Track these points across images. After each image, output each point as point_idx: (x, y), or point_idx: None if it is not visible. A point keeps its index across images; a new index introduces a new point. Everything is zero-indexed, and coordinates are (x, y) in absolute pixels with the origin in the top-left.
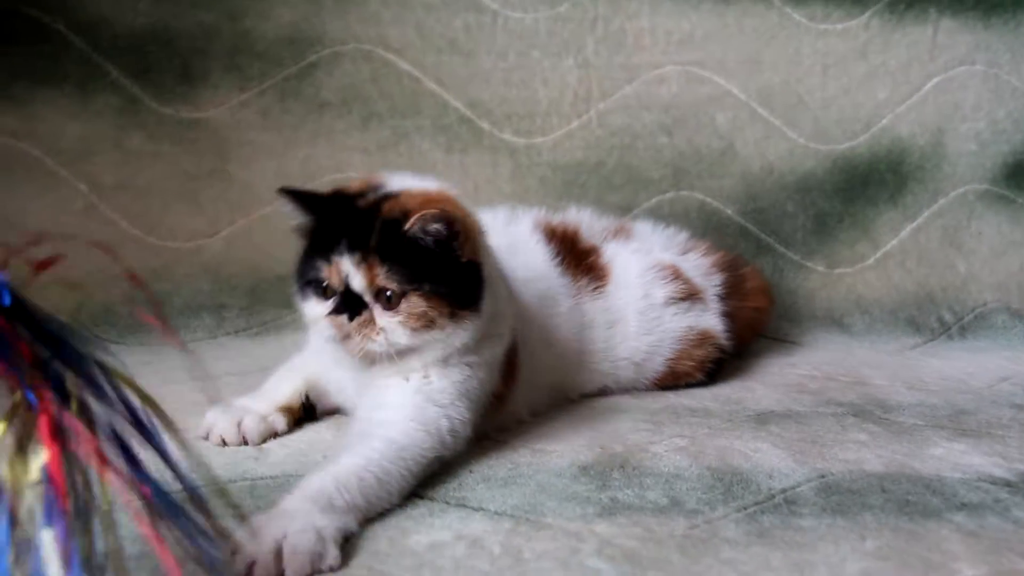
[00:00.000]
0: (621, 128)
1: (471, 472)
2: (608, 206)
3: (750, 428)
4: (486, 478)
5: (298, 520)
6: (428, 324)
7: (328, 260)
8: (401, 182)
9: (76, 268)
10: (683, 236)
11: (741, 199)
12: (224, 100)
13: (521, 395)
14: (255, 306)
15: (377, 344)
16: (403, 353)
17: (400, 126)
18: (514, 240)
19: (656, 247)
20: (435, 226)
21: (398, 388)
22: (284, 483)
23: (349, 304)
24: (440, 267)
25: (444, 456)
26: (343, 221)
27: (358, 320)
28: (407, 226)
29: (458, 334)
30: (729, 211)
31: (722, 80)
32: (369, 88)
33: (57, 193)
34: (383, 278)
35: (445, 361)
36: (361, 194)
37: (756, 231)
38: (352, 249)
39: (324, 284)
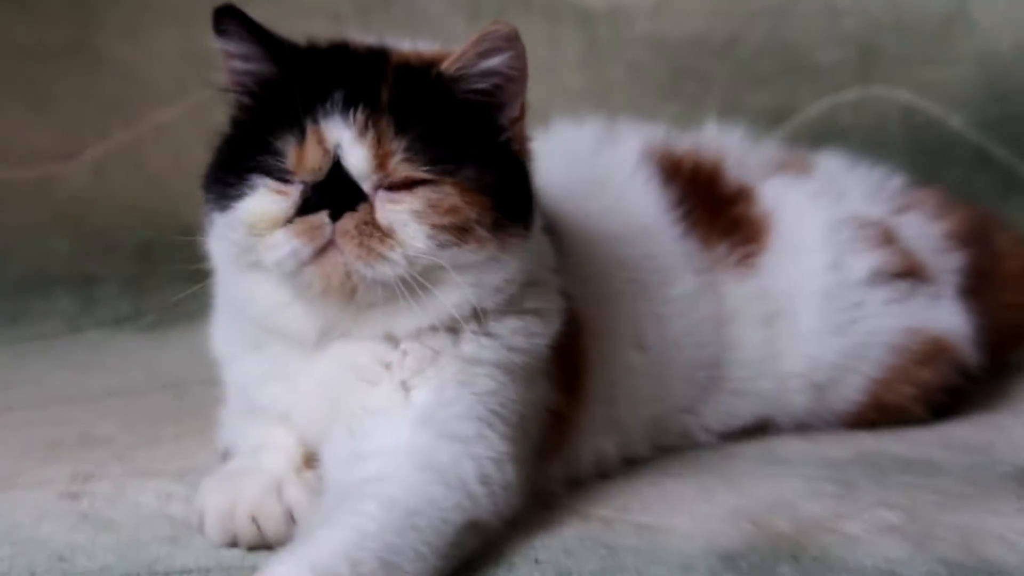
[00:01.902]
0: None
1: (537, 562)
2: (746, 113)
3: (1010, 494)
4: (562, 574)
5: None
6: (460, 232)
7: (299, 129)
8: (383, 41)
9: None
10: (897, 182)
11: (977, 101)
12: None
13: (599, 421)
14: (147, 279)
15: (377, 261)
16: (411, 287)
17: None
18: (605, 173)
19: (854, 194)
20: (497, 61)
21: (389, 415)
22: None
23: (333, 195)
24: (482, 149)
25: (482, 521)
26: (330, 69)
27: (351, 217)
28: (448, 65)
29: (500, 263)
30: (955, 122)
31: None
32: None
33: None
34: (401, 157)
35: (471, 340)
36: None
37: (1004, 156)
38: (349, 106)
39: (284, 172)
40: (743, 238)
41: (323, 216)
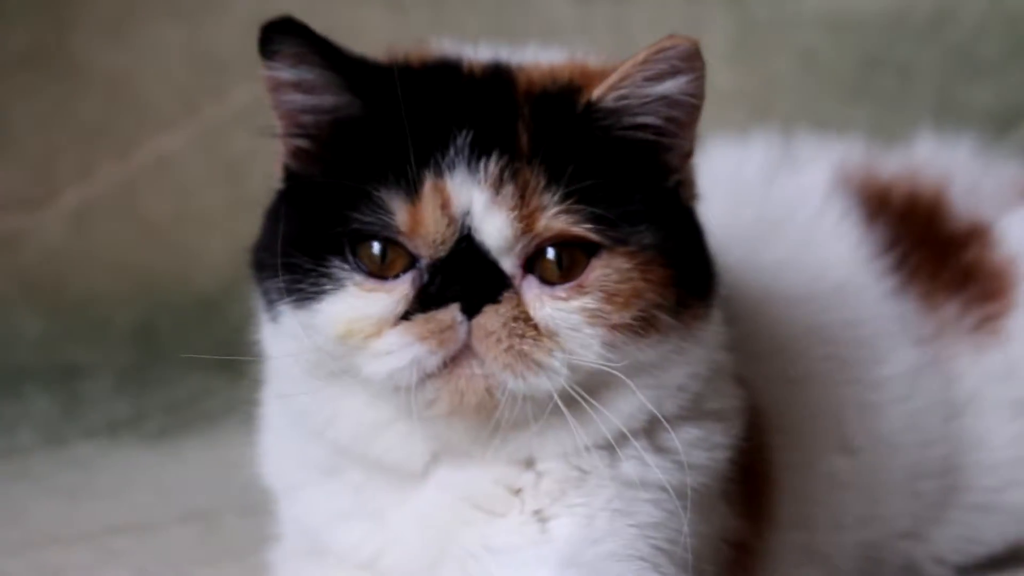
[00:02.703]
0: None
1: None
2: (963, 116)
3: None
4: None
5: None
6: (642, 324)
7: (408, 183)
8: (495, 55)
9: None
10: None
11: None
12: None
13: (793, 552)
14: (150, 369)
15: (531, 371)
16: (570, 400)
17: None
18: (783, 209)
19: None
20: (672, 87)
21: (521, 555)
22: None
23: (466, 280)
24: (650, 203)
25: None
26: (439, 101)
27: (494, 313)
28: (603, 93)
29: (684, 355)
30: None
31: None
32: None
33: None
34: (555, 210)
35: (633, 458)
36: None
37: None
38: (480, 155)
39: (383, 245)
40: (980, 294)
41: (454, 312)
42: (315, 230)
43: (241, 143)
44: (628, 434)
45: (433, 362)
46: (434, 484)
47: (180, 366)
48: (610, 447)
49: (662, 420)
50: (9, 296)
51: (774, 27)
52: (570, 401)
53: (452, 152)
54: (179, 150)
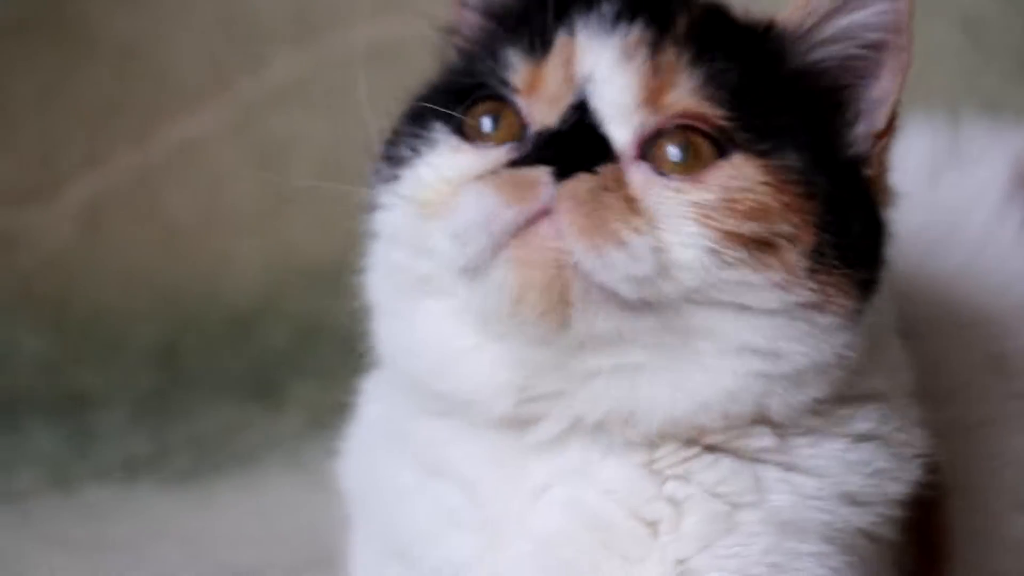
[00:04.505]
0: None
1: None
2: None
3: None
4: None
5: None
6: (760, 247)
7: (540, 38)
8: None
9: None
10: None
11: None
12: None
13: None
14: (173, 397)
15: (610, 245)
16: (659, 319)
17: None
18: (953, 212)
19: None
20: (865, 17)
21: None
22: None
23: (565, 146)
24: (815, 148)
25: None
26: None
27: (584, 180)
28: (778, 20)
29: (813, 326)
30: None
31: None
32: None
33: None
34: (688, 87)
35: (780, 481)
36: None
37: None
38: (630, 18)
39: (496, 110)
40: None
41: (542, 172)
42: (433, 99)
43: (281, 126)
44: (734, 424)
45: (507, 218)
46: (551, 500)
47: (208, 394)
48: (748, 456)
49: (791, 410)
50: (5, 309)
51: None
52: (659, 322)
53: (596, 15)
54: (207, 134)
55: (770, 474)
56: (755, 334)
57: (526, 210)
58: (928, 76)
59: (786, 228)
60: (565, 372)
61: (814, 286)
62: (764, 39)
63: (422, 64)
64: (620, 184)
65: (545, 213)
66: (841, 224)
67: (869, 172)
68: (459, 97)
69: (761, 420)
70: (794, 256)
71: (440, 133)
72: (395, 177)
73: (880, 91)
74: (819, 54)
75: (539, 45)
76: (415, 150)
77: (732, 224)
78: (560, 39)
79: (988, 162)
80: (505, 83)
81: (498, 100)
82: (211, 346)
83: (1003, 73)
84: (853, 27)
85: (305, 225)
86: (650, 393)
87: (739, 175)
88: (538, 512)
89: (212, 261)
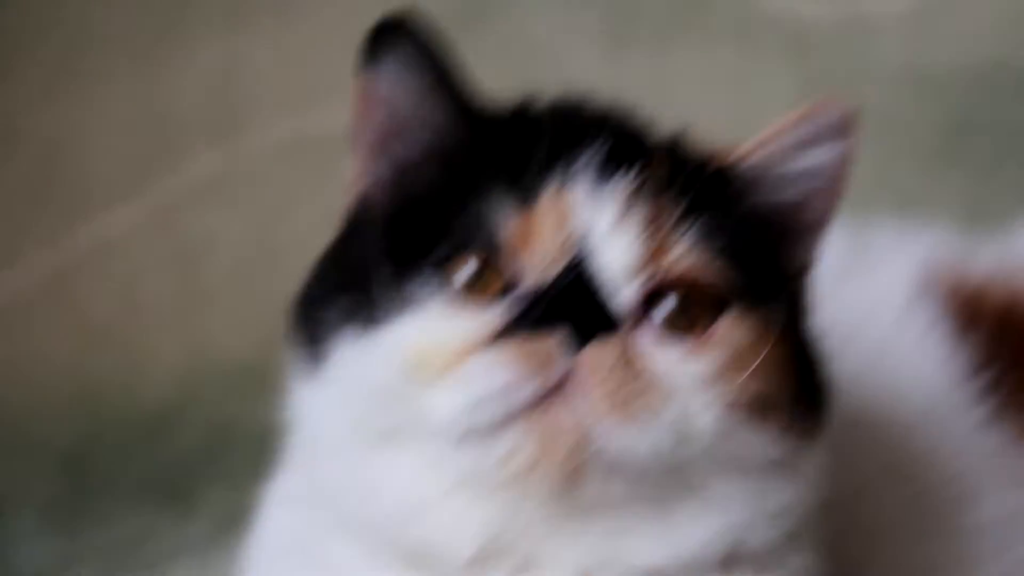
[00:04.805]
0: None
1: None
2: None
3: None
4: None
5: None
6: (761, 409)
7: (523, 193)
8: None
9: None
10: None
11: None
12: None
13: None
14: (82, 504)
15: (640, 423)
16: (664, 485)
17: None
18: (857, 316)
19: None
20: (820, 160)
21: None
22: None
23: (573, 308)
24: (776, 283)
25: None
26: (564, 124)
27: (604, 348)
28: (740, 156)
29: (791, 472)
30: None
31: None
32: None
33: None
34: (687, 246)
35: None
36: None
37: None
38: (615, 170)
39: (481, 262)
40: None
41: (556, 341)
42: (401, 246)
43: (201, 223)
44: (704, 564)
45: (527, 392)
46: None
47: (120, 498)
48: None
49: (747, 557)
50: None
51: (844, 84)
52: (664, 488)
53: (580, 164)
54: (125, 232)
55: None
56: (744, 485)
57: (545, 383)
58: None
59: (781, 384)
60: (549, 529)
61: (795, 434)
62: (728, 178)
63: (341, 160)
64: (631, 351)
65: (562, 383)
66: (808, 366)
67: (804, 297)
68: (425, 245)
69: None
70: (784, 411)
71: (424, 289)
72: (367, 332)
73: (823, 217)
74: (779, 192)
75: (526, 195)
76: (395, 305)
77: (739, 388)
78: (548, 190)
79: (894, 265)
80: (491, 235)
81: (484, 253)
82: (125, 448)
83: (917, 168)
84: (813, 166)
85: (223, 324)
86: (634, 546)
87: (740, 333)
88: None
89: (129, 360)
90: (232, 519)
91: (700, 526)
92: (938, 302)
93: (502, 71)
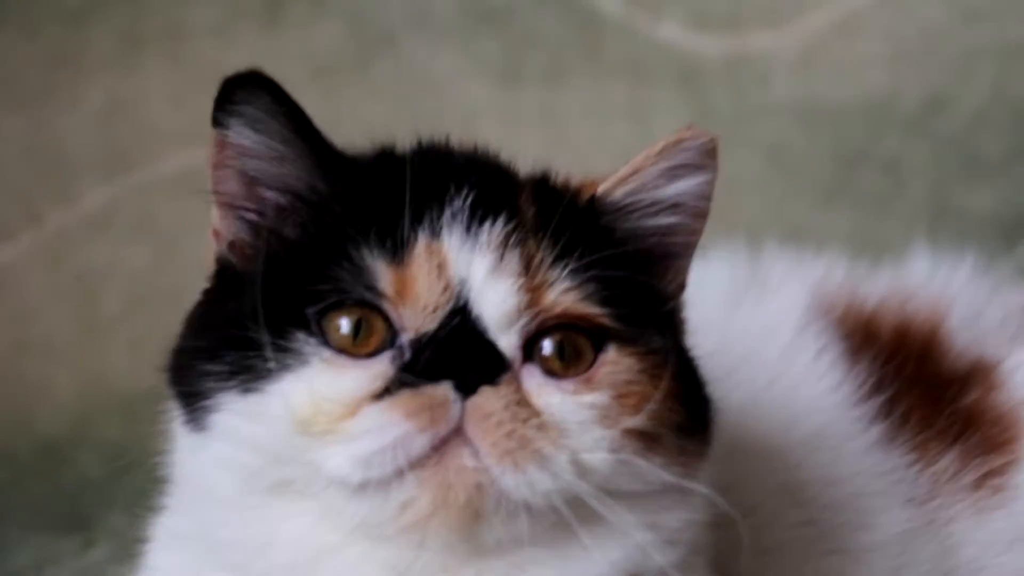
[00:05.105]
0: None
1: None
2: (963, 223)
3: None
4: None
5: None
6: (649, 439)
7: (395, 242)
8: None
9: None
10: None
11: None
12: None
13: None
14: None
15: (533, 464)
16: (561, 521)
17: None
18: (749, 343)
19: None
20: (686, 187)
21: None
22: None
23: (459, 356)
24: (651, 315)
25: None
26: (429, 172)
27: (494, 394)
28: (611, 186)
29: (682, 494)
30: None
31: None
32: None
33: None
34: (564, 287)
35: None
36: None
37: None
38: (482, 218)
39: (359, 316)
40: (982, 445)
41: (447, 388)
42: (274, 303)
43: (93, 255)
44: None
45: (421, 443)
46: None
47: (17, 528)
48: None
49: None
50: None
51: (736, 117)
52: (560, 526)
53: (449, 213)
54: (17, 264)
55: None
56: (638, 512)
57: (438, 433)
58: (733, 204)
59: (665, 413)
60: (451, 569)
61: (684, 458)
62: (598, 211)
63: None
64: (519, 394)
65: (455, 432)
66: (691, 391)
67: (679, 318)
68: (298, 302)
69: None
70: (672, 437)
71: (306, 346)
72: (250, 392)
73: (690, 242)
74: (648, 220)
75: (398, 247)
76: (277, 363)
77: (628, 422)
78: (421, 241)
79: (787, 291)
80: (369, 288)
81: (361, 307)
82: (22, 477)
83: (808, 201)
84: (679, 193)
85: (118, 352)
86: None
87: (621, 368)
88: None
89: (24, 391)
90: (133, 545)
91: (599, 554)
92: (831, 326)
93: (399, 107)
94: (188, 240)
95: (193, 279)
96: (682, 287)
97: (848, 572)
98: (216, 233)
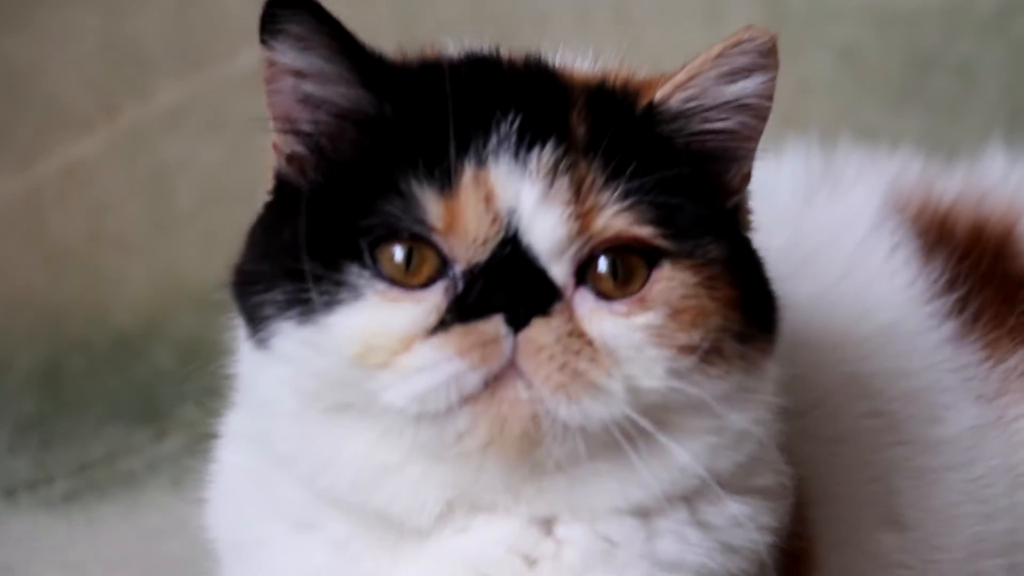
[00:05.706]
0: None
1: None
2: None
3: None
4: None
5: None
6: (710, 346)
7: (443, 173)
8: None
9: None
10: None
11: None
12: None
13: None
14: (55, 421)
15: (587, 394)
16: (627, 436)
17: None
18: (823, 238)
19: None
20: (748, 87)
21: None
22: None
23: (511, 288)
24: (712, 220)
25: None
26: (477, 91)
27: (545, 326)
28: (668, 92)
29: (748, 396)
30: None
31: None
32: None
33: None
34: (615, 209)
35: (673, 532)
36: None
37: None
38: (531, 143)
39: (410, 247)
40: None
41: (498, 323)
42: (327, 233)
43: (168, 150)
44: (671, 499)
45: (474, 380)
46: (434, 548)
47: (92, 417)
48: (646, 515)
49: (713, 484)
50: None
51: (810, 19)
52: (629, 439)
53: (495, 140)
54: (93, 158)
55: (662, 525)
56: (700, 420)
57: (491, 370)
58: (806, 106)
59: (723, 323)
60: (511, 488)
61: (746, 362)
62: (655, 118)
63: None
64: (572, 322)
65: (509, 365)
66: (752, 293)
67: (743, 217)
68: (350, 231)
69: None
70: (732, 346)
71: (359, 278)
72: (306, 324)
73: (752, 142)
74: (707, 126)
75: (445, 177)
76: (330, 296)
77: (683, 338)
78: (468, 171)
79: (861, 187)
80: (416, 221)
81: (411, 238)
82: (96, 369)
83: (880, 103)
84: (740, 95)
85: (191, 247)
86: (598, 492)
87: (676, 284)
88: (418, 560)
89: (98, 284)
90: (204, 436)
91: (663, 466)
92: (905, 224)
93: (473, 5)
94: (261, 137)
95: (265, 176)
96: (747, 179)
97: (916, 464)
98: (275, 146)
